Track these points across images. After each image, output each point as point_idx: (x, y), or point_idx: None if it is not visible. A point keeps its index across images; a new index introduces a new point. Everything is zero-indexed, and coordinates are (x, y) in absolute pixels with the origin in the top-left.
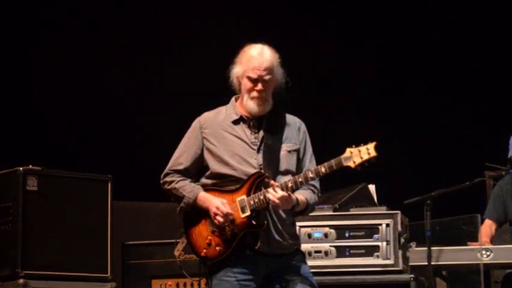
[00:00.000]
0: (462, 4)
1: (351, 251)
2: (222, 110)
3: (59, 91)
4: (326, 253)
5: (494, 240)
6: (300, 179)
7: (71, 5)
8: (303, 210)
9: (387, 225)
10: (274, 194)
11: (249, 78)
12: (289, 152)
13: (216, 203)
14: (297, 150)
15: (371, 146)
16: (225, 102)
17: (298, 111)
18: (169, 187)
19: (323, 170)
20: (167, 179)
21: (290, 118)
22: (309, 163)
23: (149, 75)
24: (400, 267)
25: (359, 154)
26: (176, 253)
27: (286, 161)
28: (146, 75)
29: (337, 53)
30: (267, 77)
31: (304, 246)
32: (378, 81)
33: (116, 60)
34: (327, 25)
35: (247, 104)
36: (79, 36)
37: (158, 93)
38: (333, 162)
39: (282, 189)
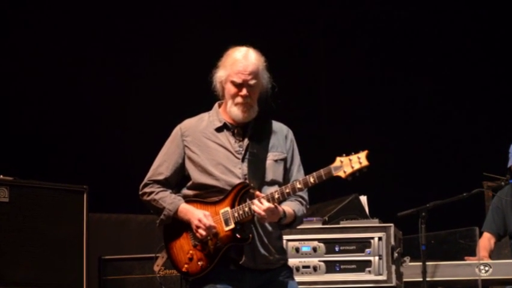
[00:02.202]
0: (459, 12)
1: (342, 266)
2: (205, 116)
3: (31, 98)
4: (315, 268)
5: (493, 254)
6: (288, 190)
7: (42, 6)
8: (291, 223)
9: (380, 238)
10: (260, 205)
11: (233, 82)
12: (275, 161)
13: (198, 215)
14: (284, 159)
15: (363, 154)
16: (208, 108)
17: (286, 118)
18: (148, 198)
19: (312, 180)
20: (147, 189)
21: (277, 125)
22: (297, 173)
23: (127, 80)
24: (393, 283)
25: (350, 163)
26: (156, 268)
27: (273, 170)
28: (123, 80)
29: (328, 58)
30: (252, 82)
31: (292, 261)
32: (371, 88)
33: (92, 66)
34: (318, 28)
35: (231, 110)
36: (50, 41)
37: (137, 100)
38: (322, 172)
39: (268, 201)
